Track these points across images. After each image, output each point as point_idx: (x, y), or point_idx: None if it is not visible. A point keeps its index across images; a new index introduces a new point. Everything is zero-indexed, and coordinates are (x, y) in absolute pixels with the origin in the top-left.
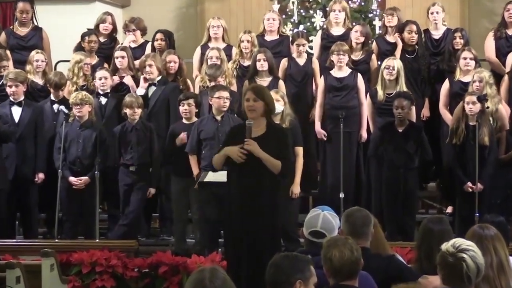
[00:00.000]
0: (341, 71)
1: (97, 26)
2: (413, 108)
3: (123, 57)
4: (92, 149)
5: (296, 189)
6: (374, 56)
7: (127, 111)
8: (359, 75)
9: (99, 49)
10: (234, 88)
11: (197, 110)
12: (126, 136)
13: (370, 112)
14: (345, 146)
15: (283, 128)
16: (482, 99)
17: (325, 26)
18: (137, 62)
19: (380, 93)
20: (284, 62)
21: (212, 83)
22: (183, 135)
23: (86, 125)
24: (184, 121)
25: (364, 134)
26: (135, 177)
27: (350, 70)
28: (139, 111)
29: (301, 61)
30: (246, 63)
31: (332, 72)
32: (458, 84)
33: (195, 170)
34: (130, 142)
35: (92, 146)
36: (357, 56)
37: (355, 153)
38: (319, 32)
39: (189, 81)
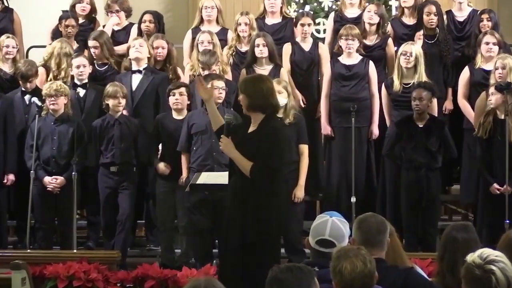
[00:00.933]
0: (350, 58)
1: (73, 6)
2: (435, 101)
3: (96, 47)
4: (68, 147)
5: (299, 192)
6: (390, 41)
7: (110, 102)
8: (371, 63)
9: (77, 33)
10: (228, 77)
11: (189, 102)
12: (107, 131)
13: (385, 104)
14: (354, 143)
15: (275, 129)
16: (501, 88)
17: (338, 8)
18: (120, 48)
19: (397, 83)
20: (287, 47)
21: (206, 72)
22: (163, 167)
23: (62, 119)
24: (173, 114)
25: (376, 131)
26: (118, 178)
27: (360, 57)
28: (123, 101)
29: (306, 46)
30: (244, 48)
31: (340, 58)
32: (480, 72)
33: (185, 171)
34: (111, 138)
35: (69, 143)
36: (371, 40)
37: (365, 152)
38: (332, 15)
39: (179, 70)
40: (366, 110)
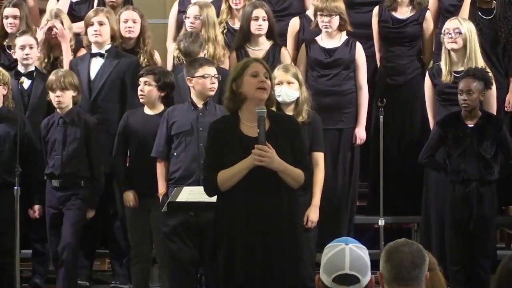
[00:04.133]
0: (331, 39)
1: None
2: (492, 93)
3: (15, 17)
4: (9, 153)
5: (314, 215)
6: (429, 14)
7: (50, 95)
8: (358, 45)
9: None
10: (225, 65)
11: (161, 94)
12: (51, 133)
13: (429, 98)
14: (332, 149)
15: (291, 117)
16: None
17: None
18: (78, 25)
19: (445, 71)
20: (294, 23)
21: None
22: (132, 197)
23: (0, 117)
24: (145, 109)
25: (362, 133)
26: (62, 195)
27: (345, 38)
28: (66, 94)
29: None
30: (238, 25)
31: (319, 40)
32: None
33: (161, 184)
34: (54, 142)
35: (10, 148)
36: (404, 13)
37: (349, 161)
38: None
39: (156, 54)
40: (351, 106)
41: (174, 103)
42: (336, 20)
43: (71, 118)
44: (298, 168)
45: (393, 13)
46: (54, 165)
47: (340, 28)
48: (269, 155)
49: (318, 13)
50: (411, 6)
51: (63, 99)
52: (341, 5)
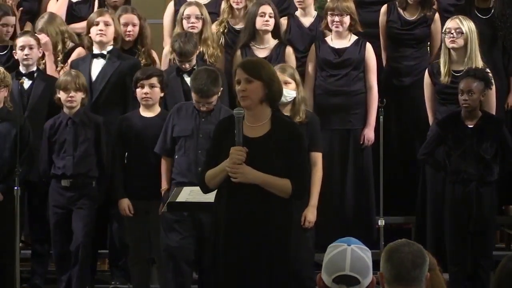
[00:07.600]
0: (341, 39)
1: None
2: (491, 93)
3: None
4: (9, 153)
5: (311, 215)
6: (437, 16)
7: (61, 95)
8: (368, 46)
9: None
10: (220, 65)
11: (162, 95)
12: (58, 134)
13: (428, 97)
14: (341, 150)
15: (294, 124)
16: None
17: None
18: (79, 26)
19: (444, 70)
20: (282, 23)
21: (186, 65)
22: (126, 206)
23: (1, 117)
24: (141, 111)
25: (370, 134)
26: (71, 195)
27: (355, 38)
28: (78, 95)
29: (307, 20)
30: (240, 25)
31: (328, 40)
32: None
33: (164, 181)
34: (63, 143)
35: (10, 148)
36: (412, 14)
37: (361, 162)
38: None
39: (155, 54)
40: (360, 107)
41: (167, 104)
42: (347, 20)
43: (80, 119)
44: (286, 178)
45: (402, 14)
46: (66, 166)
47: (351, 28)
48: (240, 171)
49: (329, 12)
50: (420, 7)
51: (76, 99)
52: (352, 5)
